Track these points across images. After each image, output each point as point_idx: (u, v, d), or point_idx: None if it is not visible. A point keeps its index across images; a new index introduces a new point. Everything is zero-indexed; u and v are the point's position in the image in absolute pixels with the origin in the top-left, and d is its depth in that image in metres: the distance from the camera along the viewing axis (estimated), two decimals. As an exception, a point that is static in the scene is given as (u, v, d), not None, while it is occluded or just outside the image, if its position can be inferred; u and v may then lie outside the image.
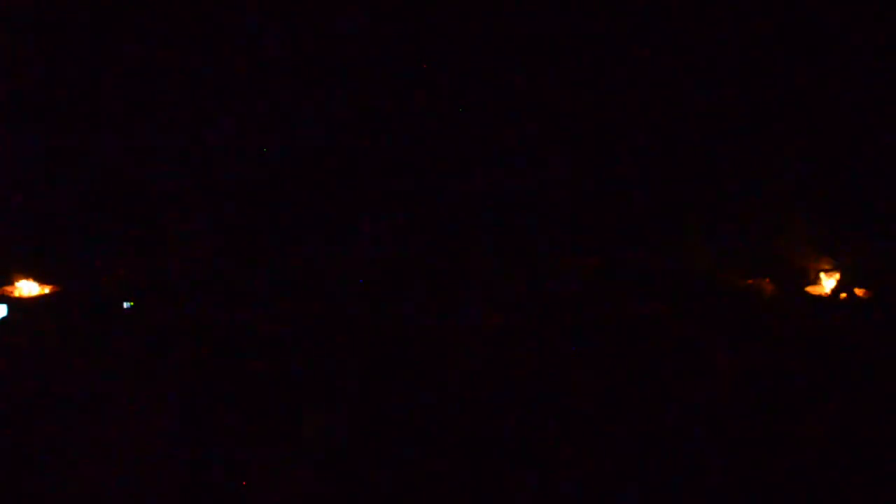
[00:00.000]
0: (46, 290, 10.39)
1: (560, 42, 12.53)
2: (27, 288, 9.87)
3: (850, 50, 11.66)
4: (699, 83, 11.94)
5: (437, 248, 11.67)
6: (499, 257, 11.47)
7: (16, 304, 9.20)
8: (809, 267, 10.07)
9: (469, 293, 10.61)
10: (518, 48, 13.12)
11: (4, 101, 10.43)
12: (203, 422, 5.15)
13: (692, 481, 4.51)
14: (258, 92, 13.30)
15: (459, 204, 12.92)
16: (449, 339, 7.46)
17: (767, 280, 10.65)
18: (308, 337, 6.80)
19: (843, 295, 9.63)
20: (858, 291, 10.27)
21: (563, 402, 5.38)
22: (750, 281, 10.59)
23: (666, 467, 4.62)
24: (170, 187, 12.23)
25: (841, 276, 9.72)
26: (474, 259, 11.42)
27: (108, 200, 12.17)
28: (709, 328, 6.98)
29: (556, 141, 12.96)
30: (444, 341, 7.36)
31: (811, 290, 10.40)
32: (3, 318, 7.56)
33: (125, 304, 9.72)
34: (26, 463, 4.76)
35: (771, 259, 10.65)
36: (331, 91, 13.41)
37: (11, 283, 10.16)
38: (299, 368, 5.91)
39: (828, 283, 9.69)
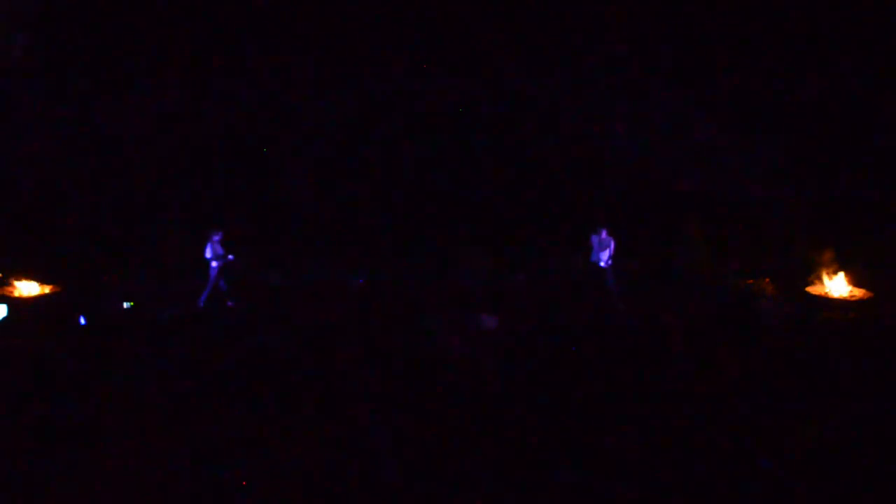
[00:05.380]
0: (46, 290, 10.42)
1: (567, 45, 12.60)
2: (27, 288, 9.89)
3: (847, 49, 11.70)
4: (700, 83, 11.99)
5: (435, 249, 11.73)
6: (496, 258, 11.53)
7: (16, 304, 9.22)
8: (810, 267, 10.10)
9: (465, 296, 10.65)
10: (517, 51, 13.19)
11: (5, 103, 10.48)
12: (203, 423, 5.16)
13: (693, 480, 4.52)
14: (256, 94, 13.36)
15: (458, 205, 12.98)
16: (448, 341, 7.48)
17: (767, 280, 10.66)
18: (307, 337, 6.80)
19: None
20: (858, 292, 10.29)
21: (564, 403, 5.39)
22: (750, 281, 10.60)
23: (667, 466, 4.63)
24: (169, 189, 12.29)
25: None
26: (471, 260, 11.47)
27: (108, 202, 12.22)
28: (709, 328, 6.98)
29: (555, 143, 13.03)
30: (443, 344, 7.38)
31: (811, 290, 10.41)
32: (3, 318, 7.55)
33: (125, 304, 9.74)
34: (26, 462, 4.77)
35: (771, 259, 10.69)
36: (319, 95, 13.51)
37: (11, 283, 10.19)
38: (299, 369, 5.92)
39: (831, 283, 9.70)
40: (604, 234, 9.63)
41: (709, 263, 10.75)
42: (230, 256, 9.82)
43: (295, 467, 4.62)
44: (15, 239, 10.38)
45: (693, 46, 12.36)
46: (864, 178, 11.30)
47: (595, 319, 7.63)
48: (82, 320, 6.96)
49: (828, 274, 9.61)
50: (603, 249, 9.64)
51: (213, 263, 9.72)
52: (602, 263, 9.55)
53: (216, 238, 9.78)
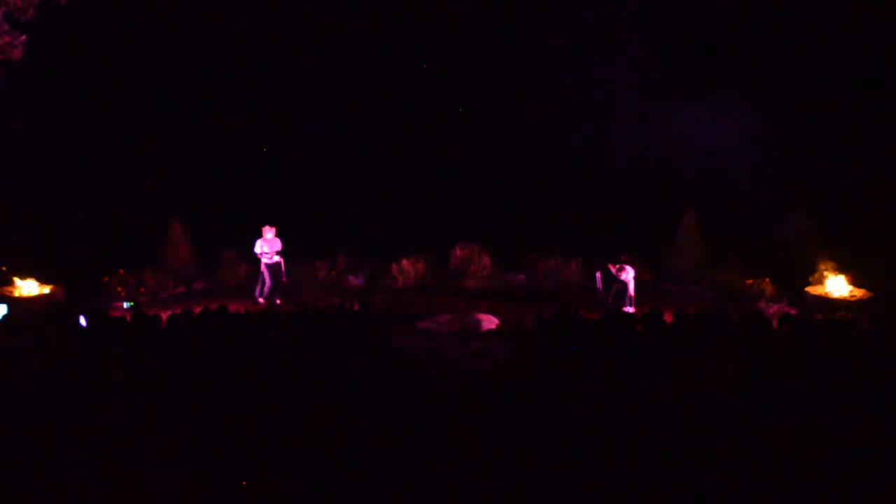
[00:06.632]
0: (46, 290, 10.42)
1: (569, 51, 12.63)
2: (27, 288, 9.89)
3: (846, 49, 11.71)
4: (704, 86, 12.00)
5: (434, 251, 11.75)
6: (495, 259, 11.54)
7: (16, 303, 9.22)
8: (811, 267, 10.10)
9: (465, 295, 10.68)
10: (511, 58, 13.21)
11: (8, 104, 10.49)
12: (202, 424, 5.17)
13: (692, 480, 4.53)
14: (254, 96, 13.39)
15: (458, 204, 13.00)
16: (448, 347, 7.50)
17: (767, 280, 10.66)
18: (305, 338, 6.81)
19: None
20: (858, 292, 10.28)
21: (563, 403, 5.40)
22: (749, 281, 10.60)
23: (666, 466, 4.64)
24: (170, 190, 12.30)
25: None
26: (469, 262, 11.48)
27: (109, 203, 12.22)
28: (710, 328, 6.98)
29: (555, 147, 13.03)
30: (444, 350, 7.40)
31: (811, 290, 10.42)
32: (4, 318, 7.55)
33: (125, 304, 9.75)
34: (26, 461, 4.78)
35: (771, 259, 10.68)
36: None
37: (11, 283, 10.20)
38: (300, 375, 5.93)
39: (831, 283, 9.71)
40: (625, 268, 9.21)
41: (708, 263, 10.76)
42: (276, 257, 9.77)
43: (294, 467, 4.63)
44: (15, 239, 10.38)
45: (692, 43, 12.39)
46: (863, 177, 11.32)
47: (600, 321, 7.63)
48: (83, 320, 6.95)
49: (828, 274, 9.61)
50: (622, 278, 9.26)
51: (262, 260, 9.75)
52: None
53: (267, 235, 9.77)
